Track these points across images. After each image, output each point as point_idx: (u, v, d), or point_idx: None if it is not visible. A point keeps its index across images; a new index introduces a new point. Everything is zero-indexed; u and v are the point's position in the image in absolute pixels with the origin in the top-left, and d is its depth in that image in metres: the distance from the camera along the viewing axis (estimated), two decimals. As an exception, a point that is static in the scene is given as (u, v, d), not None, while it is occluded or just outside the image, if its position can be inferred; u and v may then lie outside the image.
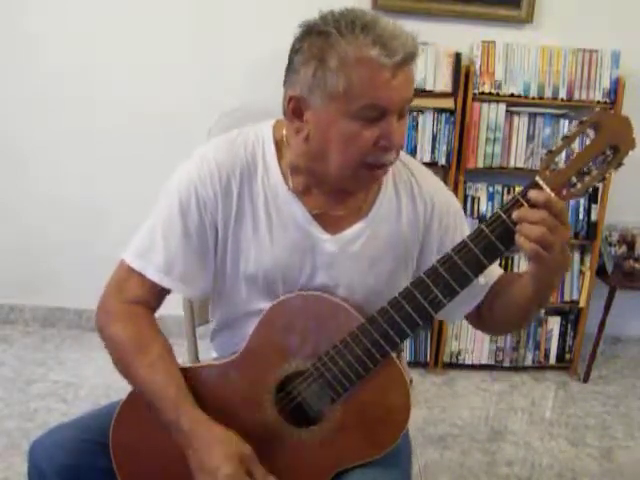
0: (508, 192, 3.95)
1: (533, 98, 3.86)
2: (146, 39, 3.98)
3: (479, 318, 1.80)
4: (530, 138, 3.90)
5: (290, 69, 1.57)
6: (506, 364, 4.16)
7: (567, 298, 4.09)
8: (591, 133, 1.40)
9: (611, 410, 3.84)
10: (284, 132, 1.67)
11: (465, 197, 3.96)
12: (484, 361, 4.12)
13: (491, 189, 3.97)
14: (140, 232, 1.70)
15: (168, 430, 1.58)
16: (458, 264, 1.47)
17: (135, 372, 1.61)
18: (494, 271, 1.76)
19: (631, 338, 4.49)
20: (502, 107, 3.85)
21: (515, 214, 1.40)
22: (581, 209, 3.93)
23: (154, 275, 1.66)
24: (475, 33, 3.85)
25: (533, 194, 1.39)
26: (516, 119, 3.89)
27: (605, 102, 3.87)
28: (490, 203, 3.96)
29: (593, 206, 3.90)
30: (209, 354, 1.96)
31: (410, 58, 1.47)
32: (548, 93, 3.86)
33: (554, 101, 3.88)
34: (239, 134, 1.71)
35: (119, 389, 3.41)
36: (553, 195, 1.39)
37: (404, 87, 1.49)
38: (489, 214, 3.94)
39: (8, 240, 4.24)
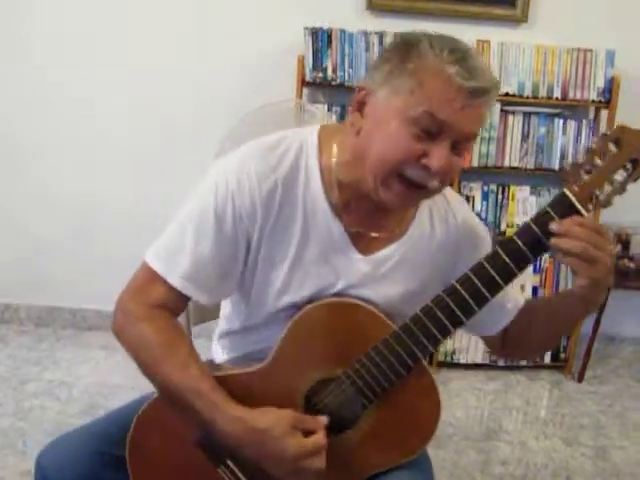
0: (503, 191, 3.96)
1: (528, 97, 3.86)
2: (145, 40, 3.98)
3: (504, 344, 1.82)
4: (525, 137, 3.91)
5: (371, 68, 1.55)
6: (501, 363, 4.15)
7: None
8: (612, 147, 1.42)
9: (605, 410, 3.84)
10: (337, 138, 1.62)
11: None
12: (479, 360, 4.11)
13: (486, 188, 3.97)
14: (167, 234, 1.62)
15: (207, 429, 1.55)
16: (490, 273, 1.47)
17: (165, 373, 1.55)
18: (519, 298, 1.79)
19: (626, 338, 4.48)
20: (497, 106, 3.84)
21: (555, 227, 1.41)
22: (576, 208, 3.93)
23: (178, 282, 1.59)
24: (470, 32, 3.83)
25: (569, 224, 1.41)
26: (511, 118, 3.90)
27: (600, 101, 3.88)
28: (485, 202, 3.97)
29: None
30: (206, 353, 1.94)
31: (485, 91, 1.43)
32: (543, 92, 3.86)
33: (549, 100, 3.88)
34: (282, 140, 1.63)
35: (113, 387, 3.43)
36: (587, 216, 1.42)
37: (469, 118, 1.45)
38: (484, 213, 3.96)
39: (3, 239, 4.24)
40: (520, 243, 1.44)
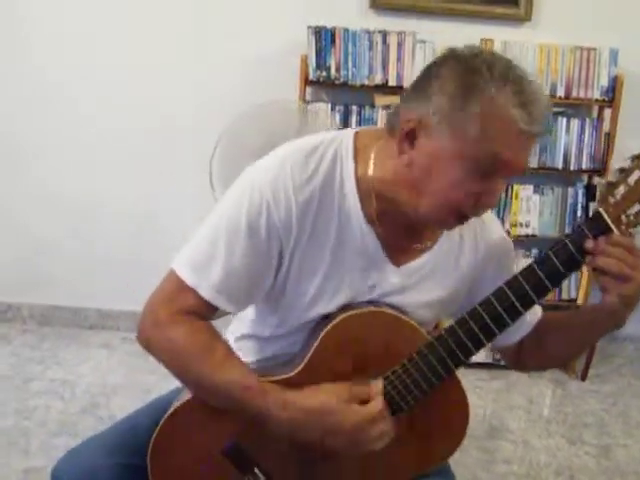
0: (506, 190, 3.93)
1: (531, 96, 3.85)
2: (145, 39, 3.99)
3: (519, 355, 1.83)
4: (528, 136, 3.89)
5: (422, 90, 1.47)
6: (503, 362, 4.14)
7: (565, 296, 4.09)
8: None
9: (609, 408, 3.84)
10: (373, 150, 1.58)
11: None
12: (481, 359, 4.09)
13: (489, 187, 3.96)
14: (197, 242, 1.57)
15: (257, 420, 1.52)
16: (525, 288, 1.49)
17: (207, 371, 1.53)
18: (537, 309, 1.80)
19: (629, 337, 4.47)
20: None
21: (590, 245, 1.43)
22: (579, 206, 3.94)
23: (209, 293, 1.54)
24: (473, 31, 3.84)
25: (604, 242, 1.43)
26: (514, 117, 3.88)
27: (603, 100, 3.88)
28: (488, 201, 3.95)
29: (591, 204, 3.90)
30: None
31: (542, 133, 1.44)
32: (546, 91, 3.85)
33: (552, 99, 3.87)
34: (316, 148, 1.57)
35: (116, 386, 3.43)
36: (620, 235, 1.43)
37: (527, 154, 1.48)
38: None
39: (6, 238, 4.24)
40: (555, 260, 1.46)
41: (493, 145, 1.41)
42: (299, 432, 1.52)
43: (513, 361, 1.87)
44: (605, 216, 1.43)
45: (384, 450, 1.59)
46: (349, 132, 1.63)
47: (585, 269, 4.00)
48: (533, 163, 3.90)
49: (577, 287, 4.06)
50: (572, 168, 3.93)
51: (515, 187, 3.96)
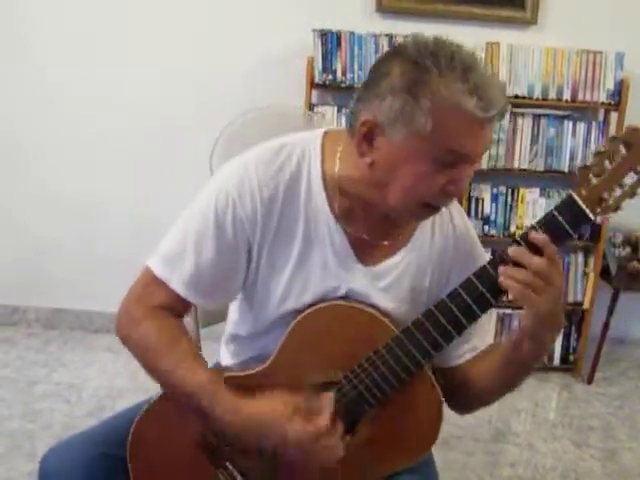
0: (512, 193, 3.96)
1: (537, 99, 3.86)
2: (146, 39, 3.99)
3: (453, 386, 1.73)
4: (534, 139, 3.90)
5: (372, 91, 1.46)
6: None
7: (571, 300, 4.08)
8: (622, 149, 1.40)
9: (615, 412, 3.83)
10: (339, 148, 1.59)
11: (469, 198, 3.95)
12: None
13: (495, 190, 3.97)
14: (169, 240, 1.62)
15: (208, 421, 1.54)
16: (492, 275, 1.45)
17: (166, 367, 1.56)
18: (487, 338, 1.75)
19: (635, 340, 4.48)
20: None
21: (510, 251, 1.42)
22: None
23: (179, 288, 1.59)
24: (479, 34, 3.84)
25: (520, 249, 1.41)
26: (520, 120, 3.89)
27: (609, 103, 3.87)
28: (494, 205, 3.96)
29: (597, 207, 3.90)
30: (214, 356, 1.93)
31: (503, 114, 1.43)
32: (552, 94, 3.86)
33: (558, 102, 3.88)
34: (284, 146, 1.60)
35: (122, 390, 3.42)
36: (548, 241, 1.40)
37: (488, 138, 1.46)
38: (493, 215, 3.96)
39: (11, 242, 4.25)
40: (491, 271, 1.45)
41: (449, 138, 1.41)
42: (242, 437, 1.54)
43: (445, 391, 1.71)
44: (578, 199, 1.41)
45: (357, 446, 1.61)
46: (318, 132, 1.65)
47: (592, 273, 4.00)
48: (539, 166, 3.92)
49: (583, 291, 4.05)
50: (578, 171, 3.91)
51: (521, 190, 3.97)
